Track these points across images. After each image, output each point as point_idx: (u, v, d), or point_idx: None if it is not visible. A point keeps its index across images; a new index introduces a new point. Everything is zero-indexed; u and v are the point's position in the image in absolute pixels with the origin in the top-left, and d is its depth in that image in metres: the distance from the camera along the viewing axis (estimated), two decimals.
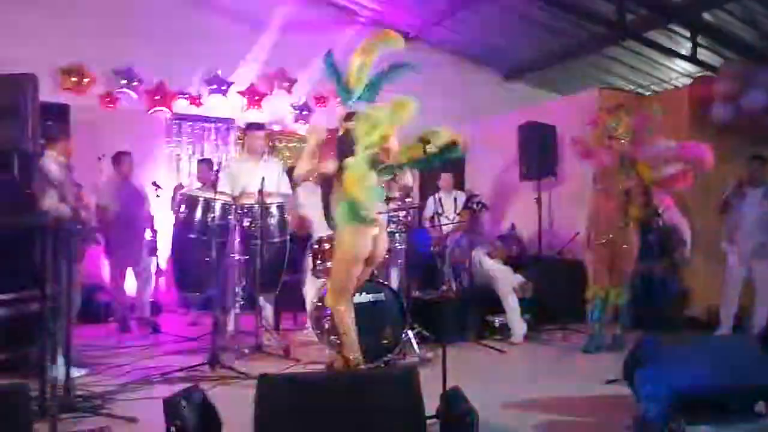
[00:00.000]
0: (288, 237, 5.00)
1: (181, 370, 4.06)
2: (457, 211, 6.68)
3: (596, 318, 5.11)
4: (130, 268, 5.80)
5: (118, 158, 5.77)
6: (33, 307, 3.01)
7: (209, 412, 2.52)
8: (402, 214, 5.72)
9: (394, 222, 5.63)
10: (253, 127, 5.36)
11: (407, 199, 6.22)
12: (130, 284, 5.91)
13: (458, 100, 8.72)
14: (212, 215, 4.53)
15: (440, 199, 6.97)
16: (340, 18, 8.26)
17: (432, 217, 6.79)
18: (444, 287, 4.23)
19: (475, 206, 6.10)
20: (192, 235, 4.58)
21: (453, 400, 2.74)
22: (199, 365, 4.13)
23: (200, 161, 6.63)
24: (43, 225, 3.10)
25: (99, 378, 3.90)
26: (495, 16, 7.57)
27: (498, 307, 5.52)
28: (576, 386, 4.00)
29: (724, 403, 3.28)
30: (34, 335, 3.00)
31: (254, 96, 7.61)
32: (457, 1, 7.46)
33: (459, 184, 7.68)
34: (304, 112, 7.86)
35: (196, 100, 7.36)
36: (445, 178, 7.16)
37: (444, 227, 6.47)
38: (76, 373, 3.59)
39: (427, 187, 7.54)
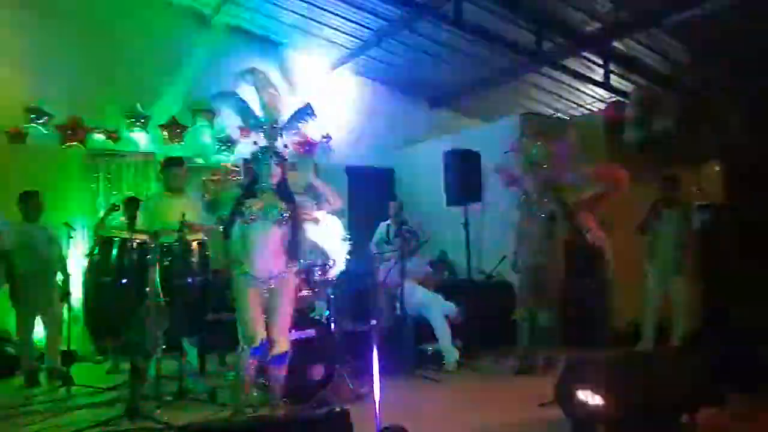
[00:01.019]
0: (210, 275, 4.80)
1: (96, 425, 3.76)
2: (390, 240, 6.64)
3: (525, 340, 5.17)
4: (39, 315, 5.37)
5: (25, 198, 5.39)
6: None
7: None
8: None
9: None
10: (171, 161, 5.15)
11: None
12: (40, 333, 5.48)
13: (386, 128, 8.78)
14: (129, 256, 4.28)
15: (388, 227, 6.89)
16: (264, 48, 8.17)
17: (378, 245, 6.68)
18: (374, 320, 4.17)
19: (406, 235, 6.08)
20: (107, 279, 4.31)
21: None
22: (116, 418, 3.85)
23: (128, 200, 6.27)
24: None
25: None
26: (418, 45, 7.70)
27: (431, 335, 5.49)
28: (511, 411, 3.98)
29: (653, 418, 3.35)
30: None
31: (175, 129, 7.36)
32: (382, 30, 7.53)
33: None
34: (227, 144, 7.67)
35: (113, 135, 7.04)
36: (393, 206, 7.10)
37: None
38: None
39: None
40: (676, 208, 5.71)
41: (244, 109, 3.68)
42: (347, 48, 8.17)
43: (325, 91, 8.58)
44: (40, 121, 6.64)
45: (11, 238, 5.21)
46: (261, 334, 3.55)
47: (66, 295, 5.14)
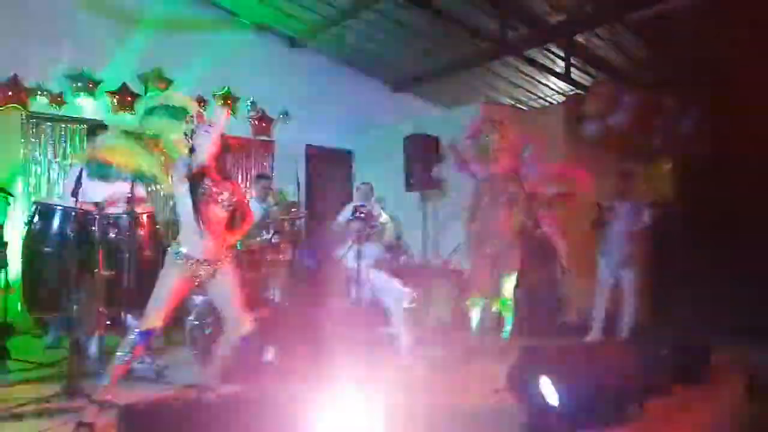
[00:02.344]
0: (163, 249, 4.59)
1: (33, 402, 3.56)
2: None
3: (478, 326, 5.19)
4: None
5: None
6: None
7: None
8: (287, 225, 5.53)
9: (278, 233, 5.43)
10: (100, 128, 4.86)
11: (292, 209, 6.06)
12: None
13: (346, 110, 8.64)
14: (72, 226, 4.05)
15: (354, 209, 6.77)
16: (223, 20, 7.89)
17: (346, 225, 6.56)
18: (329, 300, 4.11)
19: (362, 216, 6.00)
20: (48, 249, 4.07)
21: None
22: (55, 396, 3.65)
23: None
24: None
25: None
26: (381, 26, 7.57)
27: (386, 319, 5.44)
28: (462, 396, 3.98)
29: (602, 407, 3.40)
30: None
31: (126, 97, 7.03)
32: (345, 9, 7.36)
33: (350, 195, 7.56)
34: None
35: (57, 99, 6.65)
36: (362, 189, 7.01)
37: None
38: None
39: None
40: (629, 203, 5.82)
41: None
42: (310, 25, 7.96)
43: (285, 68, 8.37)
44: None
45: None
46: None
47: (2, 264, 4.87)
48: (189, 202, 3.33)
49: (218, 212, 3.49)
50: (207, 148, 3.44)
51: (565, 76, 7.81)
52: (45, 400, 3.60)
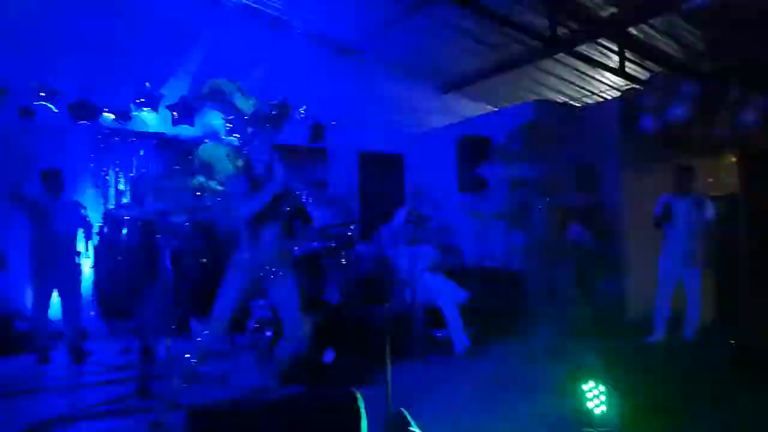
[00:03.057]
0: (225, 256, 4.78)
1: (105, 403, 3.78)
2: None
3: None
4: (57, 292, 5.40)
5: (47, 175, 5.39)
6: None
7: None
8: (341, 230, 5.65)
9: (334, 237, 5.55)
10: (168, 142, 5.08)
11: (347, 217, 6.17)
12: (55, 310, 5.52)
13: (397, 114, 8.70)
14: (138, 235, 4.27)
15: (407, 213, 6.84)
16: (275, 29, 8.09)
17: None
18: (381, 303, 4.17)
19: (415, 219, 6.05)
20: (117, 258, 4.31)
21: (397, 427, 2.63)
22: (126, 397, 3.86)
23: (135, 179, 6.27)
24: None
25: (13, 417, 3.57)
26: (431, 29, 7.58)
27: (441, 321, 5.47)
28: (523, 399, 3.96)
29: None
30: None
31: (185, 110, 7.31)
32: (394, 15, 7.42)
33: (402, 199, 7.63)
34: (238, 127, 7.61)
35: (123, 115, 7.00)
36: (415, 191, 7.09)
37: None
38: None
39: None
40: (690, 198, 5.65)
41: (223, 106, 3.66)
42: (360, 31, 8.07)
43: (337, 75, 8.50)
44: (51, 99, 6.60)
45: (35, 214, 5.23)
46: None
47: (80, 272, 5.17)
48: (250, 209, 3.46)
49: (277, 217, 3.60)
50: (263, 155, 3.58)
51: (619, 71, 7.61)
52: (119, 400, 3.81)
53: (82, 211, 5.51)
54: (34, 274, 5.32)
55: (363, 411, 2.46)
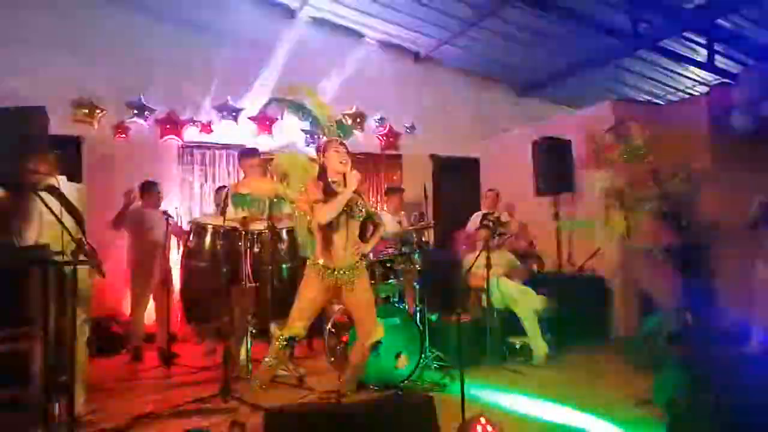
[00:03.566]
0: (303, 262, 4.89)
1: (190, 402, 3.95)
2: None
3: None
4: (152, 298, 5.79)
5: (146, 187, 5.87)
6: (28, 344, 2.91)
7: None
8: (416, 234, 5.64)
9: (409, 243, 5.55)
10: (245, 153, 5.25)
11: (421, 221, 6.15)
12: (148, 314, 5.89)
13: (471, 118, 8.65)
14: (221, 242, 4.44)
15: (484, 216, 6.80)
16: (349, 40, 8.25)
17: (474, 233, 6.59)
18: (457, 309, 4.12)
19: (490, 225, 5.96)
20: (201, 264, 4.50)
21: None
22: (209, 397, 4.02)
23: (217, 189, 6.56)
24: (34, 260, 3.01)
25: (108, 412, 3.79)
26: (506, 32, 7.49)
27: (519, 328, 5.35)
28: (604, 407, 3.81)
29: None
30: (30, 373, 2.90)
31: (264, 121, 7.58)
32: (468, 20, 7.39)
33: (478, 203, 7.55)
34: (315, 136, 7.80)
35: (206, 128, 7.35)
36: (490, 196, 7.04)
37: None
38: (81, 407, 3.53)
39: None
40: None
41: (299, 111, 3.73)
42: (433, 37, 8.09)
43: (411, 82, 8.56)
44: (144, 113, 7.03)
45: (134, 224, 5.66)
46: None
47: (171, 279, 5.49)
48: (325, 216, 3.52)
49: (351, 224, 3.65)
50: (338, 164, 3.63)
51: (708, 65, 7.23)
52: (203, 400, 3.97)
53: (173, 220, 5.84)
54: (133, 280, 5.72)
55: (438, 416, 2.45)
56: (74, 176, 4.10)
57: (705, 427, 2.79)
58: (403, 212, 6.44)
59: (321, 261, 3.62)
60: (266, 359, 3.55)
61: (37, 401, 2.99)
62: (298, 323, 3.53)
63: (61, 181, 3.85)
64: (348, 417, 2.45)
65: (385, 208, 6.60)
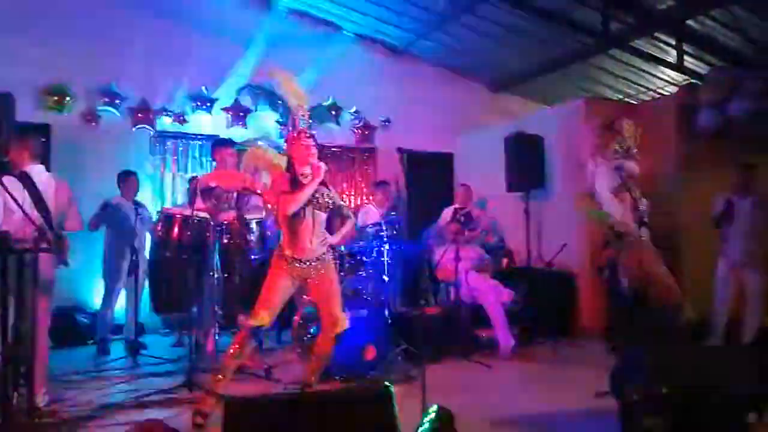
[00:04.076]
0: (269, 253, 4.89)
1: (155, 393, 3.94)
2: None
3: None
4: (124, 289, 5.74)
5: (123, 177, 5.83)
6: None
7: None
8: (386, 227, 5.66)
9: (379, 235, 5.57)
10: (220, 143, 5.24)
11: (392, 213, 6.19)
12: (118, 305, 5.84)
13: (446, 113, 8.68)
14: (189, 232, 4.43)
15: (455, 212, 6.84)
16: (326, 33, 8.23)
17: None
18: (423, 301, 4.16)
19: (461, 219, 6.02)
20: (168, 254, 4.48)
21: (432, 422, 2.64)
22: (175, 387, 4.01)
23: (190, 179, 6.52)
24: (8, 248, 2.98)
25: (70, 403, 3.76)
26: (481, 28, 7.53)
27: (485, 322, 5.43)
28: (565, 400, 3.90)
29: (715, 413, 3.19)
30: None
31: (238, 112, 7.53)
32: (443, 15, 7.42)
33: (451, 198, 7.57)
34: (286, 127, 7.77)
35: (179, 118, 7.28)
36: (462, 191, 7.09)
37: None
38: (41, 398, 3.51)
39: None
40: (751, 198, 5.40)
41: (272, 98, 3.74)
42: (410, 31, 8.10)
43: (387, 76, 8.57)
44: (116, 101, 6.93)
45: (110, 215, 5.62)
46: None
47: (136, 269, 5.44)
48: (290, 207, 3.54)
49: (317, 215, 3.67)
50: (305, 155, 3.64)
51: (677, 66, 7.35)
52: (168, 391, 3.97)
53: (143, 209, 5.80)
54: (107, 271, 5.66)
55: (395, 405, 2.48)
56: (42, 164, 4.04)
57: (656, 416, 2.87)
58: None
59: (287, 252, 3.64)
60: (231, 350, 3.57)
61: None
62: (262, 312, 3.55)
63: (39, 170, 3.81)
64: (306, 405, 2.47)
65: (373, 201, 6.66)
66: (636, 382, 2.99)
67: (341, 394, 2.72)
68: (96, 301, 6.14)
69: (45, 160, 6.08)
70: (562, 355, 5.35)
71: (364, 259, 5.04)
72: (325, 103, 8.08)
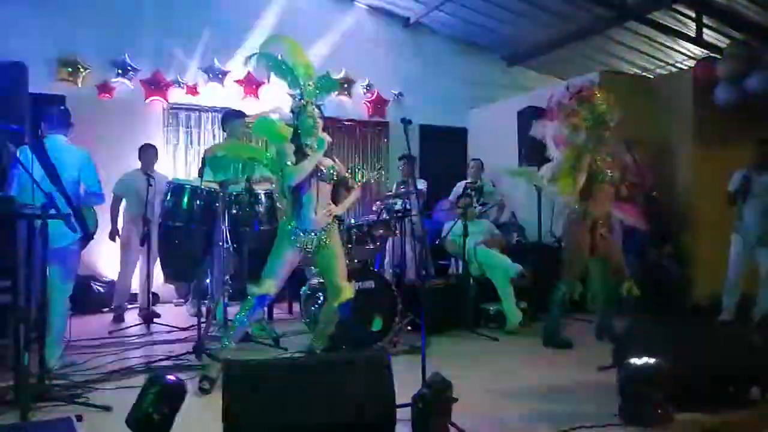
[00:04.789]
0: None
1: (165, 359, 4.04)
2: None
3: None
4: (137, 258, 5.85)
5: (143, 150, 5.90)
6: (4, 298, 2.97)
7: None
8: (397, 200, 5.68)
9: (388, 209, 5.59)
10: (231, 114, 5.28)
11: (401, 188, 6.20)
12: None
13: (459, 86, 8.60)
14: (198, 203, 4.47)
15: (466, 186, 6.83)
16: (339, 4, 8.15)
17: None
18: (423, 272, 4.21)
19: (471, 194, 6.01)
20: (177, 224, 4.53)
21: (428, 387, 2.67)
22: (183, 354, 4.10)
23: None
24: (15, 213, 3.05)
25: (83, 367, 3.86)
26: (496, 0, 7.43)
27: (493, 296, 5.44)
28: (567, 374, 3.91)
29: (718, 388, 3.19)
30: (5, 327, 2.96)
31: (251, 84, 7.53)
32: None
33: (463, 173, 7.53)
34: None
35: (192, 90, 7.30)
36: (474, 166, 7.10)
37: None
38: (55, 362, 3.61)
39: None
40: None
41: (280, 67, 3.73)
42: (423, 3, 8.00)
43: (400, 48, 8.49)
44: (129, 73, 6.97)
45: (127, 185, 5.74)
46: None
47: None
48: (294, 177, 3.57)
49: (321, 186, 3.70)
50: (310, 127, 3.66)
51: (696, 39, 7.18)
52: (176, 357, 4.06)
53: (154, 180, 5.86)
54: (122, 241, 5.75)
55: (391, 372, 2.52)
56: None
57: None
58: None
59: (293, 223, 3.68)
60: (237, 316, 3.64)
61: (11, 353, 3.07)
62: (268, 282, 3.61)
63: (58, 140, 3.88)
64: (301, 370, 2.53)
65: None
66: (637, 354, 2.99)
67: (338, 360, 2.76)
68: (112, 270, 6.25)
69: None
70: (569, 330, 5.34)
71: (372, 231, 5.04)
72: (337, 76, 8.05)
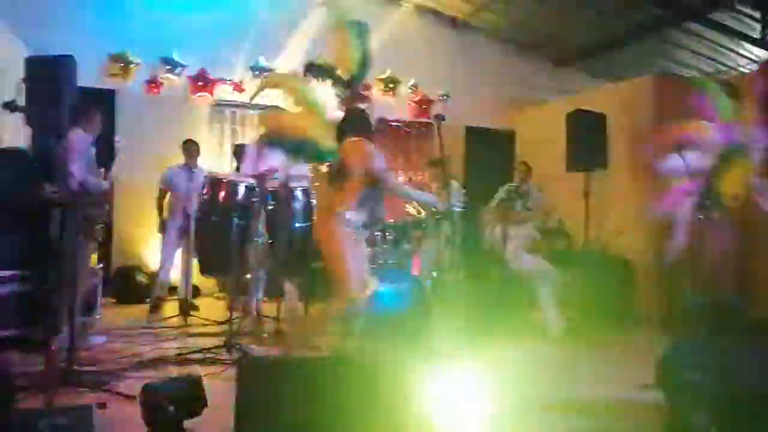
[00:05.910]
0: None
1: (196, 351, 4.04)
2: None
3: None
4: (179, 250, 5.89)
5: (187, 145, 5.94)
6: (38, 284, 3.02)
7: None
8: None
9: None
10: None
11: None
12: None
13: (506, 88, 8.43)
14: (235, 198, 4.48)
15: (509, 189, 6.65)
16: (386, 3, 8.10)
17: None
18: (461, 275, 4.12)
19: (515, 197, 5.85)
20: (214, 218, 4.54)
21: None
22: (216, 347, 4.10)
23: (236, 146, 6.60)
24: (52, 200, 3.10)
25: (114, 355, 3.91)
26: (545, 0, 7.23)
27: (535, 302, 5.27)
28: (608, 390, 3.72)
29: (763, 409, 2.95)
30: (38, 312, 3.01)
31: None
32: None
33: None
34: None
35: (238, 87, 7.38)
36: (520, 169, 6.90)
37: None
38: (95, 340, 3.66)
39: None
40: None
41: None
42: (469, 3, 7.86)
43: (446, 49, 8.38)
44: (177, 70, 7.10)
45: (169, 179, 5.80)
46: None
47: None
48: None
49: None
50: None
51: (761, 41, 6.81)
52: (208, 350, 4.06)
53: (200, 176, 5.93)
54: (168, 234, 5.82)
55: (406, 371, 2.45)
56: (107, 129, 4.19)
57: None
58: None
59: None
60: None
61: (42, 338, 3.12)
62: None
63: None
64: (316, 369, 2.45)
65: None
66: (686, 376, 2.79)
67: (349, 358, 2.71)
68: (156, 261, 6.35)
69: (110, 125, 6.28)
70: (611, 341, 5.12)
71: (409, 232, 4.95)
72: (381, 77, 8.00)
